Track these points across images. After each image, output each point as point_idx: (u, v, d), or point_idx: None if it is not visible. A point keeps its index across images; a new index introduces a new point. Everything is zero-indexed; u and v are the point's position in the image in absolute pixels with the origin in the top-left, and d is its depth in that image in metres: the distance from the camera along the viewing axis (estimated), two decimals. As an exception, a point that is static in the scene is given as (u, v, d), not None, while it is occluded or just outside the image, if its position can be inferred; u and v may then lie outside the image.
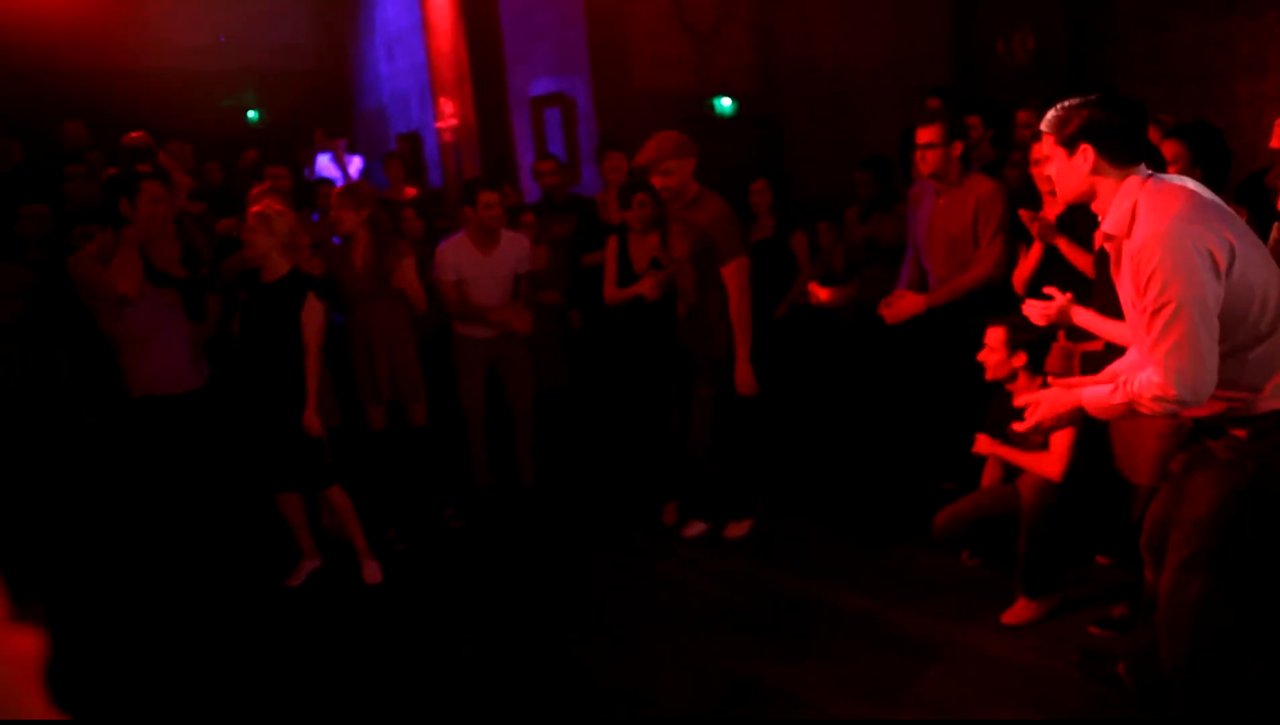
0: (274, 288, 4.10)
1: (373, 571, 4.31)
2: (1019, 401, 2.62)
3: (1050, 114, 2.39)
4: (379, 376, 4.65)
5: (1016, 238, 4.01)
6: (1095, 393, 2.40)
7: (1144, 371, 2.26)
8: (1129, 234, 2.27)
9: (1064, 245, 3.66)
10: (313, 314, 4.09)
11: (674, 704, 3.16)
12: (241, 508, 4.62)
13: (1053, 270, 3.65)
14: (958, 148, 4.14)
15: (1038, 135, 3.98)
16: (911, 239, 4.50)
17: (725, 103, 7.96)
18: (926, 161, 4.17)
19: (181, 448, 4.27)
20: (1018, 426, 2.67)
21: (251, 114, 10.32)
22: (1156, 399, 2.23)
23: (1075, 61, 7.17)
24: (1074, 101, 2.36)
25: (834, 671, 3.25)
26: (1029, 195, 3.99)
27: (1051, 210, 3.80)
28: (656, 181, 4.25)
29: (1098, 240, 2.51)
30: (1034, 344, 3.52)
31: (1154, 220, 2.21)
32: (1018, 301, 3.13)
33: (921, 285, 4.34)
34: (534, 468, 5.19)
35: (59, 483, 4.48)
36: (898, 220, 5.09)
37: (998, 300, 3.89)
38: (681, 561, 4.29)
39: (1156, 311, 2.19)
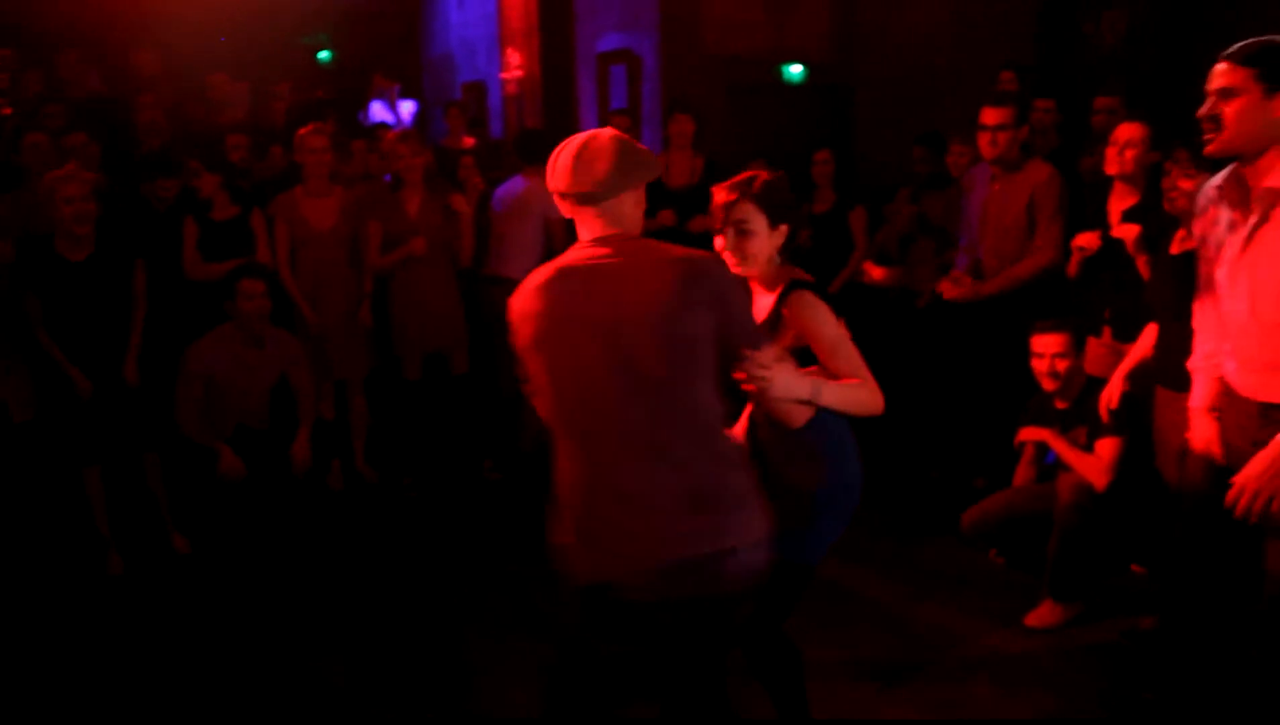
0: None
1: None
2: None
3: (1251, 49, 2.29)
4: (424, 325, 4.69)
5: (1076, 227, 3.85)
6: None
7: None
8: None
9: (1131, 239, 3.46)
10: None
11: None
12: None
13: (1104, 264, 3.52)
14: (1024, 132, 3.98)
15: (1115, 121, 3.81)
16: (966, 225, 4.35)
17: (795, 70, 7.76)
18: (997, 144, 4.01)
19: None
20: None
21: (323, 54, 10.36)
22: None
23: (1168, 50, 6.83)
24: None
25: (850, 658, 3.20)
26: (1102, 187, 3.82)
27: (1121, 201, 3.63)
28: None
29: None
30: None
31: None
32: (1063, 304, 3.00)
33: (976, 273, 4.20)
34: None
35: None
36: (948, 198, 4.93)
37: (1045, 300, 3.76)
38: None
39: None
